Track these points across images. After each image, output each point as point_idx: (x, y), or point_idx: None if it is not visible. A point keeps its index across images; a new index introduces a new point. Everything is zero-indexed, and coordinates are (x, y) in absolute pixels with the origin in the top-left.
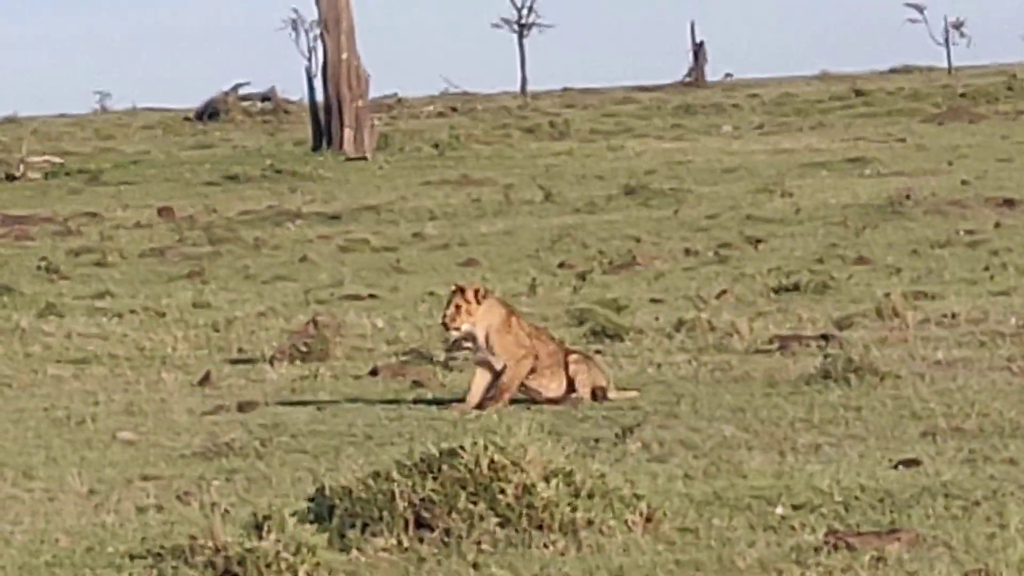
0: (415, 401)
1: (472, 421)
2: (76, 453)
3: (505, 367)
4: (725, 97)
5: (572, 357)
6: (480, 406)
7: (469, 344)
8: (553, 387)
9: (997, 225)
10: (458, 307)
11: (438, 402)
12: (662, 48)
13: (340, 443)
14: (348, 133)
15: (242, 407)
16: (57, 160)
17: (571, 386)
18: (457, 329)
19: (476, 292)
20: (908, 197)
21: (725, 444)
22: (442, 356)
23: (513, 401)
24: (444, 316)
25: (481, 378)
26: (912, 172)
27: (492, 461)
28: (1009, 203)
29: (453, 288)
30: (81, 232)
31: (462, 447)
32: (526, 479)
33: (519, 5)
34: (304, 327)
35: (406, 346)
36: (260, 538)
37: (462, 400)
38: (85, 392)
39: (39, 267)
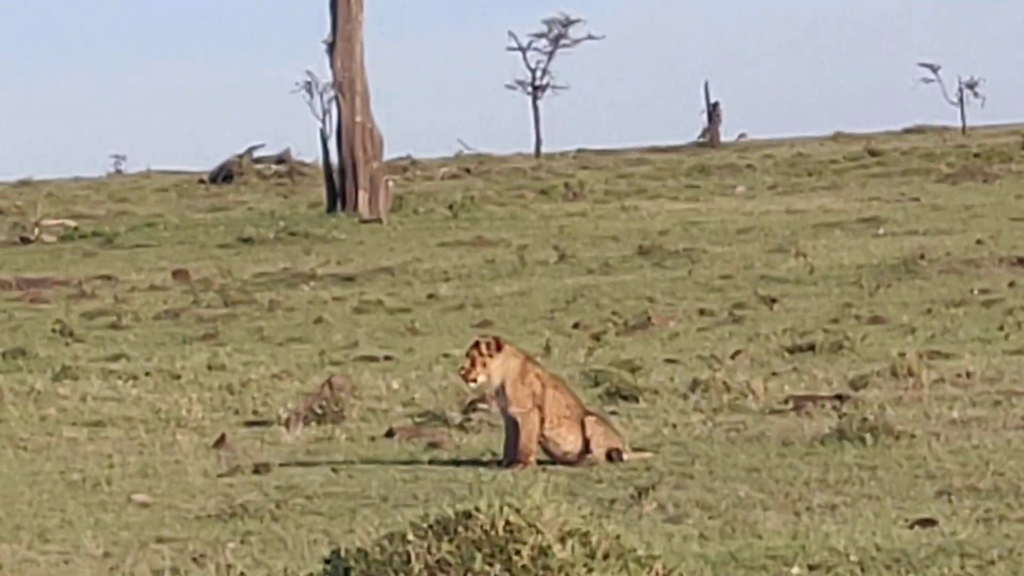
0: (431, 462)
1: (487, 482)
2: (91, 516)
3: (517, 421)
4: (739, 158)
5: (588, 419)
6: (516, 464)
7: (486, 405)
8: (571, 439)
9: (1012, 284)
10: (474, 359)
11: (454, 463)
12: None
13: (355, 505)
14: (363, 195)
15: (257, 469)
16: (71, 223)
17: (587, 447)
18: (475, 381)
19: (489, 344)
20: (922, 257)
21: (740, 504)
22: (458, 418)
23: (539, 462)
24: (462, 369)
25: (507, 435)
26: (926, 232)
27: (508, 523)
28: (1023, 262)
29: (473, 342)
30: (96, 295)
31: (478, 508)
32: (542, 540)
33: (533, 67)
34: (319, 389)
35: (421, 408)
36: None
37: (500, 461)
38: (100, 454)
39: (54, 330)
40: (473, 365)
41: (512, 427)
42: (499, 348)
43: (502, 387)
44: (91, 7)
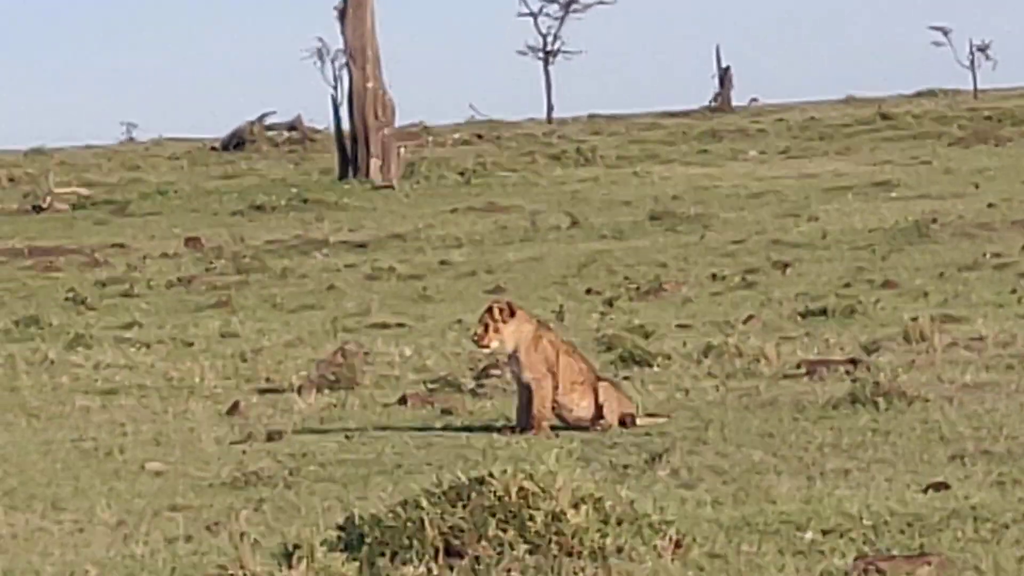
0: (444, 429)
1: (501, 449)
2: (105, 484)
3: (530, 386)
4: (751, 122)
5: (601, 384)
6: (529, 429)
7: (499, 371)
8: (584, 405)
9: None
10: (487, 325)
11: (467, 429)
12: (688, 73)
13: (369, 472)
14: (374, 162)
15: (270, 436)
16: (84, 191)
17: (600, 413)
18: (488, 347)
19: (502, 310)
20: (935, 220)
21: (753, 469)
22: (470, 384)
23: (552, 427)
24: (474, 335)
25: (520, 401)
26: (938, 195)
27: (521, 488)
28: None
29: (486, 308)
30: (108, 263)
31: (491, 475)
32: (555, 506)
33: (544, 32)
34: (332, 356)
35: (434, 374)
36: (290, 567)
37: (512, 427)
38: (113, 423)
39: (67, 298)
40: (486, 331)
41: (525, 393)
42: (512, 314)
43: (515, 353)
44: None
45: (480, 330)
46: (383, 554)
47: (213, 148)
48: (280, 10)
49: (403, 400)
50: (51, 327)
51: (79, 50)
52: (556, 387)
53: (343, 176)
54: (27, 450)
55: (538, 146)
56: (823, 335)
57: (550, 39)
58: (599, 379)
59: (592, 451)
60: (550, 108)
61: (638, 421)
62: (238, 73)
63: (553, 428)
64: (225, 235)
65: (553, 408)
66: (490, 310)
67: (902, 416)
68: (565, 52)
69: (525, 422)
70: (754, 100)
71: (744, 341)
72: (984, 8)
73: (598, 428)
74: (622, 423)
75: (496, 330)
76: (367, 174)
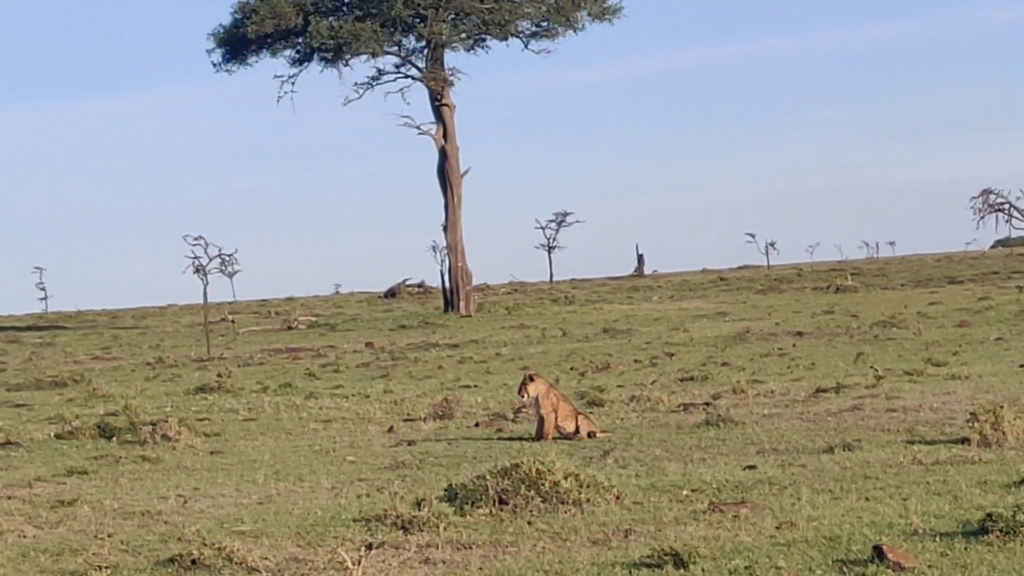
0: (498, 439)
1: (527, 449)
2: (325, 467)
3: (543, 417)
4: (653, 282)
5: (579, 415)
6: (541, 439)
7: (528, 409)
8: (571, 426)
9: (793, 345)
10: (523, 385)
11: (510, 439)
12: (624, 259)
13: (460, 461)
14: (462, 303)
15: (410, 443)
16: (312, 318)
17: (578, 430)
18: (523, 397)
19: (531, 376)
20: (747, 331)
21: (656, 459)
22: (511, 416)
23: (553, 438)
24: (517, 390)
25: (537, 425)
26: (750, 319)
27: (537, 470)
28: (799, 334)
29: (524, 375)
30: (324, 355)
31: (522, 463)
32: (554, 478)
33: (548, 239)
34: (440, 402)
35: (492, 411)
36: (419, 509)
37: (533, 438)
38: (329, 437)
39: (304, 373)
40: (520, 389)
41: (539, 421)
42: (533, 380)
43: (535, 400)
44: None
45: (518, 388)
46: (467, 503)
47: (380, 296)
48: (413, 223)
49: (477, 424)
50: (296, 388)
51: (310, 235)
52: (557, 417)
53: (446, 311)
54: (285, 451)
55: (545, 295)
56: (691, 390)
57: (552, 242)
58: (578, 412)
59: (573, 449)
60: (551, 275)
61: (597, 435)
62: (393, 256)
63: (554, 439)
64: (386, 340)
65: (555, 428)
66: (523, 378)
67: (731, 431)
68: (559, 248)
69: (539, 436)
70: (655, 271)
71: (651, 393)
72: (780, 217)
73: (577, 439)
74: (590, 435)
75: (525, 388)
76: (458, 310)
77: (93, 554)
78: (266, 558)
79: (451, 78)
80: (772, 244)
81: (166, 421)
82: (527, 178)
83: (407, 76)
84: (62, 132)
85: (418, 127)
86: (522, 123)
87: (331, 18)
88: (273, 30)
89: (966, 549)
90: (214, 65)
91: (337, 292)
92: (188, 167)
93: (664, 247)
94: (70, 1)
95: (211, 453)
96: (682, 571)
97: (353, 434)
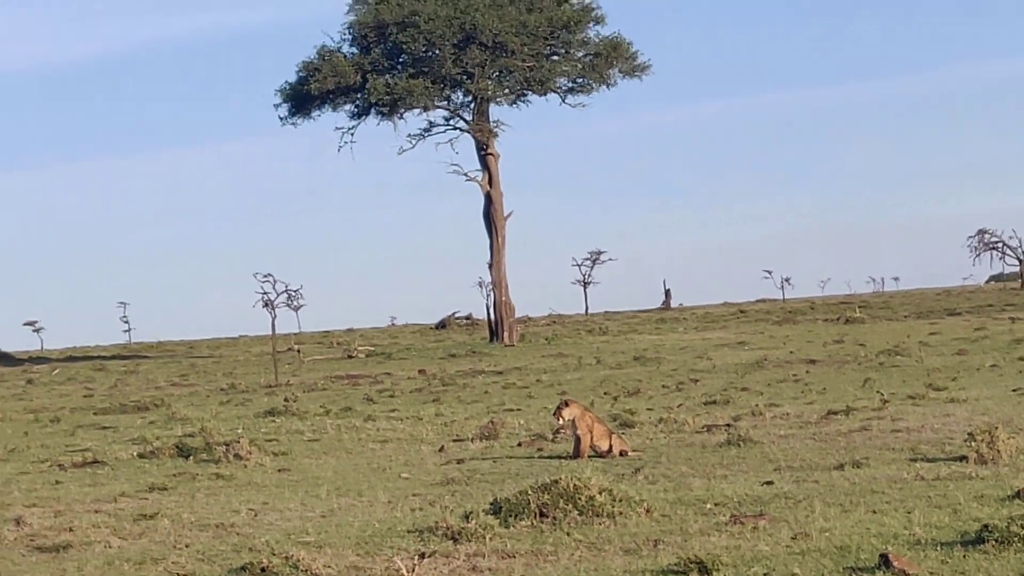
0: (539, 458)
1: (565, 467)
2: (382, 483)
3: (579, 438)
4: (679, 314)
5: (613, 435)
6: (578, 458)
7: (565, 430)
8: (605, 445)
9: (807, 371)
10: (559, 409)
11: (549, 458)
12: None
13: (504, 477)
14: (506, 334)
15: (459, 461)
16: (371, 348)
17: (611, 449)
18: (560, 419)
19: (566, 402)
20: (765, 359)
21: (683, 475)
22: (551, 436)
23: (589, 457)
24: (553, 414)
25: (574, 444)
26: (767, 347)
27: (575, 485)
28: (812, 362)
29: (559, 401)
30: (381, 381)
31: (560, 478)
32: (590, 493)
33: (584, 276)
34: (486, 424)
35: (534, 432)
36: (467, 521)
37: (570, 456)
38: (386, 455)
39: (363, 398)
40: (558, 412)
41: (576, 441)
42: (567, 404)
43: (572, 422)
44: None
45: (555, 412)
46: (511, 515)
47: (431, 327)
48: (462, 261)
49: (519, 444)
50: (356, 411)
51: (366, 270)
52: (592, 437)
53: (491, 341)
54: (346, 468)
55: (580, 326)
56: (714, 413)
57: (587, 277)
58: (611, 433)
59: (607, 466)
60: (587, 307)
61: (629, 453)
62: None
63: (589, 457)
64: (437, 368)
65: (590, 448)
66: (559, 403)
67: (751, 450)
68: (593, 283)
69: (576, 454)
70: (681, 304)
71: (678, 415)
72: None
73: (611, 457)
74: (622, 454)
75: (560, 412)
76: (502, 340)
77: (172, 563)
78: (329, 566)
79: (495, 130)
80: (787, 279)
81: (238, 442)
82: (564, 220)
83: (456, 128)
84: (148, 180)
85: (466, 174)
86: (559, 170)
87: (387, 76)
88: (334, 87)
89: (964, 557)
90: (281, 119)
91: (393, 324)
92: (259, 211)
93: (689, 282)
94: (150, 69)
95: (279, 471)
96: None
97: (407, 453)
